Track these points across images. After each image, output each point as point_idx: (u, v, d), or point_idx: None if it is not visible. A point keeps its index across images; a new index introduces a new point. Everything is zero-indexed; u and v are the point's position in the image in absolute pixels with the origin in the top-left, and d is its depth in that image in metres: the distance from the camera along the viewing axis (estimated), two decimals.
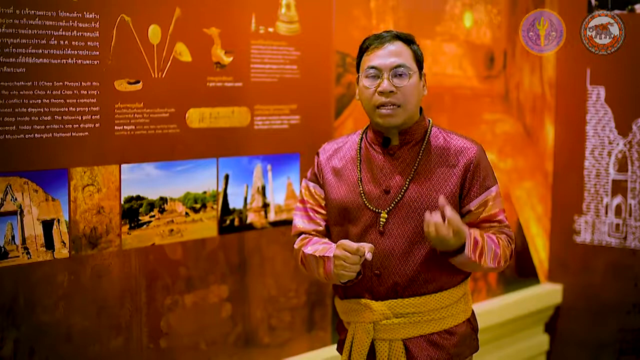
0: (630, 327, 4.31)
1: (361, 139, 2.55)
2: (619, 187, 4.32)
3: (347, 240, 2.36)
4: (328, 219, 2.55)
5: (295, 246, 2.54)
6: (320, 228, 2.55)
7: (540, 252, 4.57)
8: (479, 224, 2.44)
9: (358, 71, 2.47)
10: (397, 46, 2.42)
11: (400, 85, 2.39)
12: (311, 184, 2.60)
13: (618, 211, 4.32)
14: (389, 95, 2.38)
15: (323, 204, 2.56)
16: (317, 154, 2.62)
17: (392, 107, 2.39)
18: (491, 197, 2.45)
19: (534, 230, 4.51)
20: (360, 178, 2.48)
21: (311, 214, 2.56)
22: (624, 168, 4.30)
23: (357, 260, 2.31)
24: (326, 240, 2.51)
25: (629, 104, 4.28)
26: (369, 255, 2.30)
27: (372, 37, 2.47)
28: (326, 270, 2.40)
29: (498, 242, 2.40)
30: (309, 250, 2.47)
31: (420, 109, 2.51)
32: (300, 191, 2.66)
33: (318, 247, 2.46)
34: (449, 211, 2.25)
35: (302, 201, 2.60)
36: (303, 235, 2.55)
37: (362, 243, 2.34)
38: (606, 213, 4.36)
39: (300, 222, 2.58)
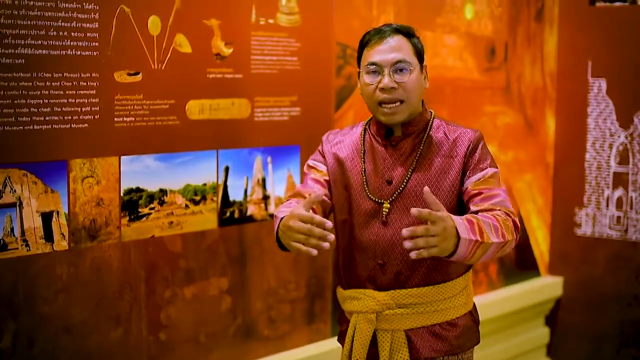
0: (630, 320, 4.31)
1: (364, 131, 2.55)
2: (620, 180, 4.31)
3: (302, 210, 2.22)
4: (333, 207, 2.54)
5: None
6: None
7: (540, 244, 4.56)
8: (472, 198, 2.39)
9: (359, 66, 2.46)
10: (398, 40, 2.41)
11: (402, 81, 2.38)
12: (314, 162, 2.57)
13: (619, 204, 4.31)
14: (390, 92, 2.38)
15: (325, 179, 2.53)
16: (322, 141, 2.60)
17: (395, 104, 2.38)
18: (486, 177, 2.40)
19: (534, 222, 4.51)
20: (364, 169, 2.48)
21: (310, 182, 2.53)
22: (625, 160, 4.29)
23: (321, 233, 2.19)
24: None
25: (631, 96, 4.28)
26: (326, 245, 2.19)
27: (372, 32, 2.45)
28: (274, 230, 2.39)
29: (493, 216, 2.31)
30: (277, 210, 2.44)
31: (422, 100, 2.50)
32: (302, 174, 2.64)
33: (285, 209, 2.41)
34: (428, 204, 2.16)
35: (304, 175, 2.57)
36: (290, 201, 2.51)
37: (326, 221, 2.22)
38: (607, 205, 4.35)
39: (298, 186, 2.56)
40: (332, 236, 2.19)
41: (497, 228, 2.27)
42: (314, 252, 2.19)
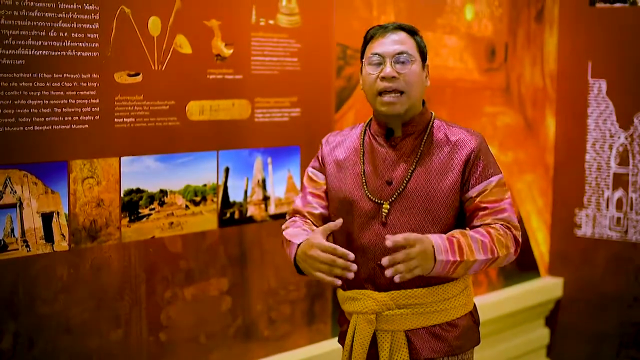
0: (631, 321, 4.31)
1: (364, 131, 2.55)
2: (620, 181, 4.31)
3: (321, 239, 2.32)
4: (330, 210, 2.55)
5: (283, 226, 2.55)
6: (316, 211, 2.54)
7: (540, 245, 4.57)
8: (477, 211, 2.43)
9: (362, 61, 2.48)
10: (400, 36, 2.44)
11: (403, 72, 2.40)
12: (312, 171, 2.60)
13: (619, 205, 4.31)
14: (391, 81, 2.39)
15: (323, 190, 2.56)
16: (321, 144, 2.61)
17: (394, 94, 2.39)
18: (491, 186, 2.43)
19: (534, 223, 4.51)
20: (364, 170, 2.48)
21: (309, 197, 2.57)
22: (625, 161, 4.29)
23: (344, 264, 2.27)
24: (309, 227, 2.50)
25: (631, 97, 4.28)
26: (350, 275, 2.28)
27: (376, 27, 2.49)
28: (290, 255, 2.43)
29: (487, 232, 2.36)
30: (287, 231, 2.50)
31: (423, 101, 2.51)
32: (302, 180, 2.67)
33: (296, 230, 2.47)
34: (397, 237, 2.23)
35: (303, 187, 2.61)
36: (293, 218, 2.56)
37: (345, 251, 2.29)
38: (607, 206, 4.35)
39: (297, 202, 2.60)
40: (354, 266, 2.28)
41: (486, 245, 2.34)
42: (338, 282, 2.30)
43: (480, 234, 2.35)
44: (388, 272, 2.23)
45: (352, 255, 2.28)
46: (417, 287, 2.43)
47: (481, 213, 2.42)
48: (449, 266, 2.29)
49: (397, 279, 2.23)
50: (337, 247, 2.29)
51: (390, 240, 2.22)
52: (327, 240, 2.53)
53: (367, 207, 2.45)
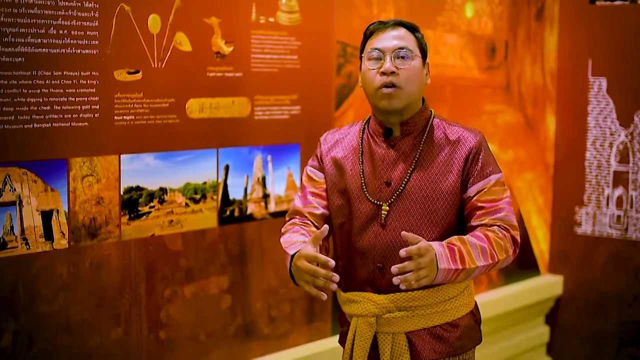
0: (630, 319, 4.31)
1: (363, 130, 2.53)
2: (620, 179, 4.31)
3: (309, 249, 2.28)
4: (330, 210, 2.53)
5: (282, 230, 2.53)
6: (317, 211, 2.51)
7: (541, 243, 4.56)
8: (474, 211, 2.41)
9: (361, 58, 2.46)
10: (401, 32, 2.42)
11: (403, 67, 2.38)
12: (311, 170, 2.57)
13: (619, 203, 4.31)
14: (390, 76, 2.37)
15: (324, 189, 2.54)
16: (319, 143, 2.60)
17: (393, 88, 2.38)
18: (489, 185, 2.41)
19: (534, 221, 4.51)
20: (362, 170, 2.47)
21: (309, 197, 2.54)
22: (625, 159, 4.29)
23: (325, 274, 2.24)
24: (308, 230, 2.47)
25: (631, 95, 4.28)
26: (333, 287, 2.25)
27: (375, 23, 2.47)
28: (287, 266, 2.40)
29: (485, 236, 2.34)
30: (285, 238, 2.46)
31: (423, 99, 2.49)
32: (301, 178, 2.64)
33: (292, 237, 2.44)
34: (410, 242, 2.22)
35: (303, 187, 2.59)
36: (292, 221, 2.53)
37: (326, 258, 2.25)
38: (607, 204, 4.35)
39: (297, 202, 2.56)
40: (336, 277, 2.25)
41: (485, 250, 2.32)
42: (324, 296, 2.27)
43: (478, 239, 2.33)
44: (396, 280, 2.21)
45: (332, 262, 2.24)
46: (418, 289, 2.41)
47: (478, 212, 2.40)
48: (451, 274, 2.28)
49: (402, 286, 2.22)
50: (319, 255, 2.25)
51: (404, 251, 2.20)
52: (327, 241, 2.52)
53: (367, 209, 2.44)
